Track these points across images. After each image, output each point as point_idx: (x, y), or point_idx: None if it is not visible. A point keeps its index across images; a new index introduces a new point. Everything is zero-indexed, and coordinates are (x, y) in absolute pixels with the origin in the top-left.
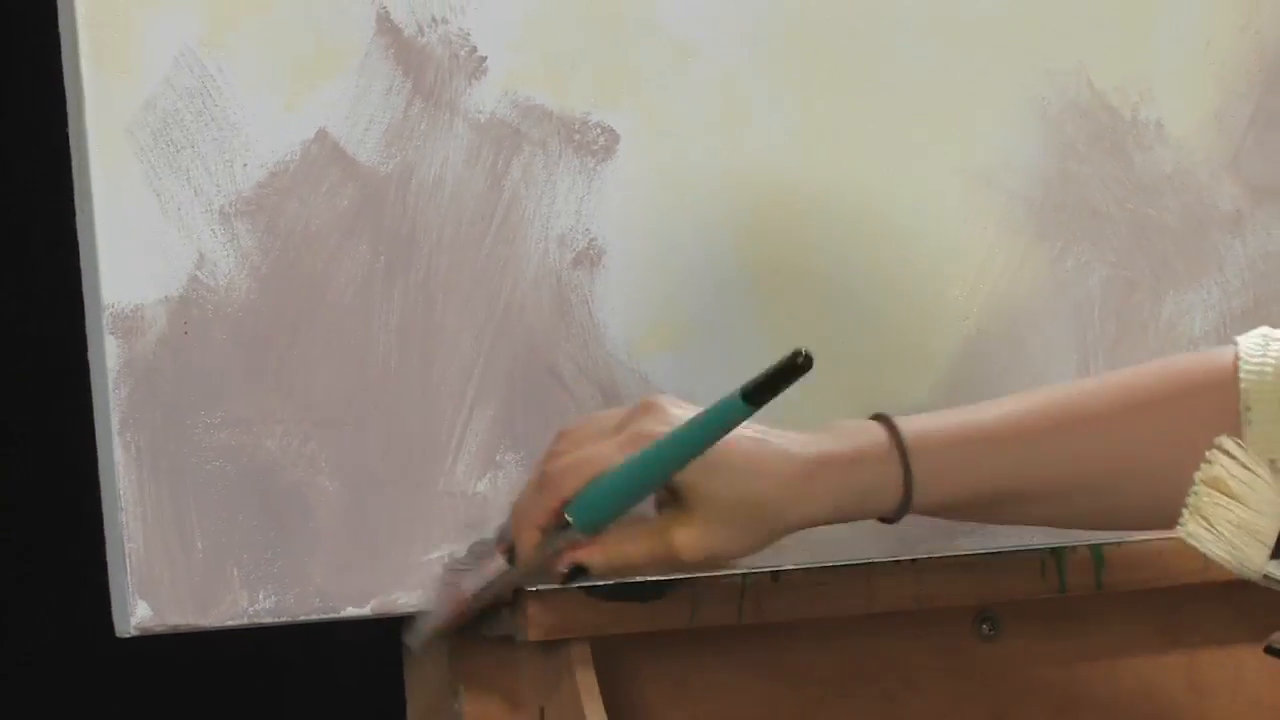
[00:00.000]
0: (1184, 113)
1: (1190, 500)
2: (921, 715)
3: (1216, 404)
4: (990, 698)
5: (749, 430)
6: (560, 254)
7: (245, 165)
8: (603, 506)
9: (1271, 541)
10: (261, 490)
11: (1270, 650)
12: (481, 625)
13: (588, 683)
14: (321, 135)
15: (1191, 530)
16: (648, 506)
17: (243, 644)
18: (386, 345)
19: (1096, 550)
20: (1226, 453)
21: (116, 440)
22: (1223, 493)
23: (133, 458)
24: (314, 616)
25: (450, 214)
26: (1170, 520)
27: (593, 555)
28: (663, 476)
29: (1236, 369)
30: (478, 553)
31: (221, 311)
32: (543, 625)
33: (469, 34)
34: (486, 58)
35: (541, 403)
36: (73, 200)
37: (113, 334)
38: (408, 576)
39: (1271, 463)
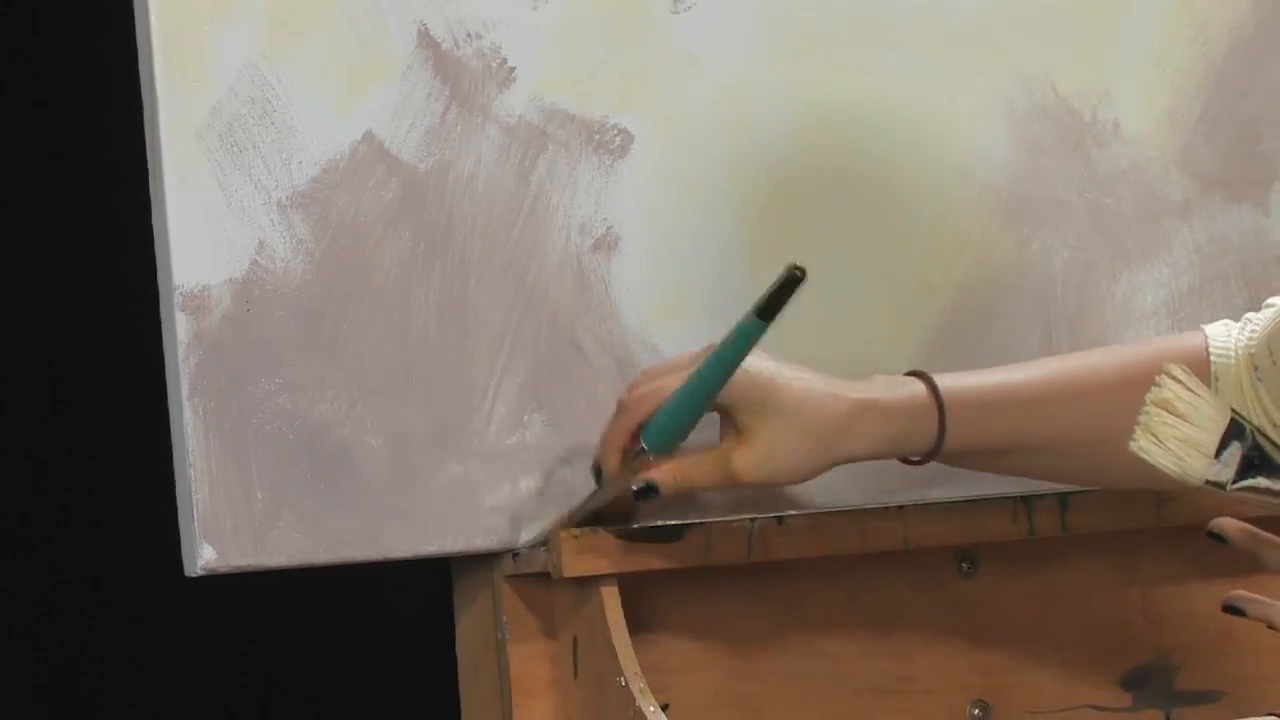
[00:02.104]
0: (1138, 114)
1: (1142, 419)
2: (908, 643)
3: None
4: (969, 627)
5: (804, 373)
6: (581, 240)
7: (301, 163)
8: (668, 428)
9: (1212, 453)
10: (314, 447)
11: (1229, 608)
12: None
13: (615, 614)
14: (368, 136)
15: (1143, 445)
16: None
17: (304, 583)
18: (426, 320)
19: (1062, 498)
20: (1174, 378)
21: (186, 405)
22: (1170, 412)
23: (200, 420)
24: (362, 558)
25: (483, 205)
26: (1149, 479)
27: (661, 474)
28: (709, 393)
29: (1208, 351)
30: None
31: (279, 291)
32: (576, 564)
33: (500, 47)
34: (515, 68)
35: (564, 371)
36: (148, 194)
37: (183, 311)
38: (446, 522)
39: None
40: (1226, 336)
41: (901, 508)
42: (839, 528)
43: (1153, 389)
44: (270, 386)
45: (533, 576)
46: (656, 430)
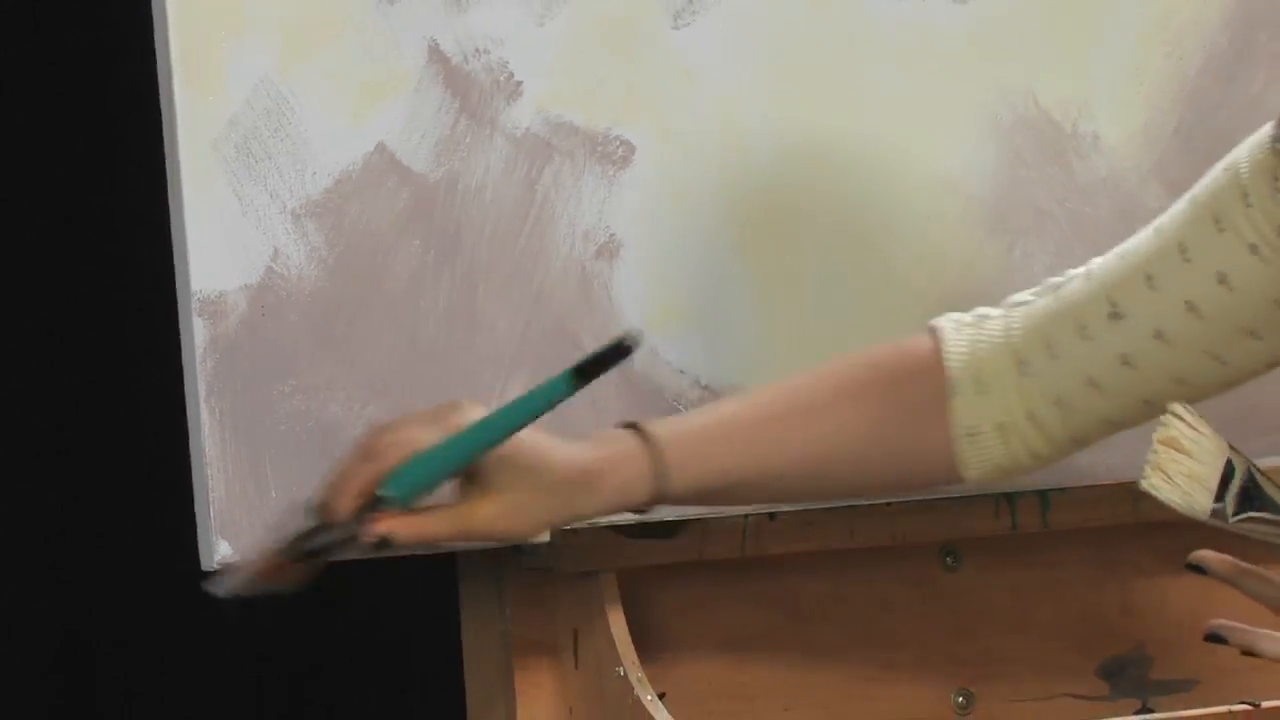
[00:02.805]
0: (1117, 126)
1: (1150, 458)
2: (894, 634)
3: (923, 387)
4: (953, 619)
5: (539, 435)
6: (584, 247)
7: (314, 173)
8: (417, 478)
9: (1214, 487)
10: (327, 447)
11: (1211, 637)
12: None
13: (614, 607)
14: (380, 148)
15: (1154, 483)
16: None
17: (316, 578)
18: (435, 325)
19: (1044, 495)
20: (1178, 416)
21: (203, 406)
22: (1176, 450)
23: (216, 420)
24: (371, 552)
25: (490, 214)
26: (891, 489)
27: (397, 526)
28: (479, 451)
29: (938, 354)
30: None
31: (293, 297)
32: (577, 559)
33: (507, 62)
34: (522, 82)
35: None
36: (167, 203)
37: (200, 316)
38: None
39: (1025, 420)
40: (957, 334)
41: (888, 504)
42: (829, 524)
43: (1159, 428)
44: (284, 388)
45: (536, 571)
46: (406, 480)
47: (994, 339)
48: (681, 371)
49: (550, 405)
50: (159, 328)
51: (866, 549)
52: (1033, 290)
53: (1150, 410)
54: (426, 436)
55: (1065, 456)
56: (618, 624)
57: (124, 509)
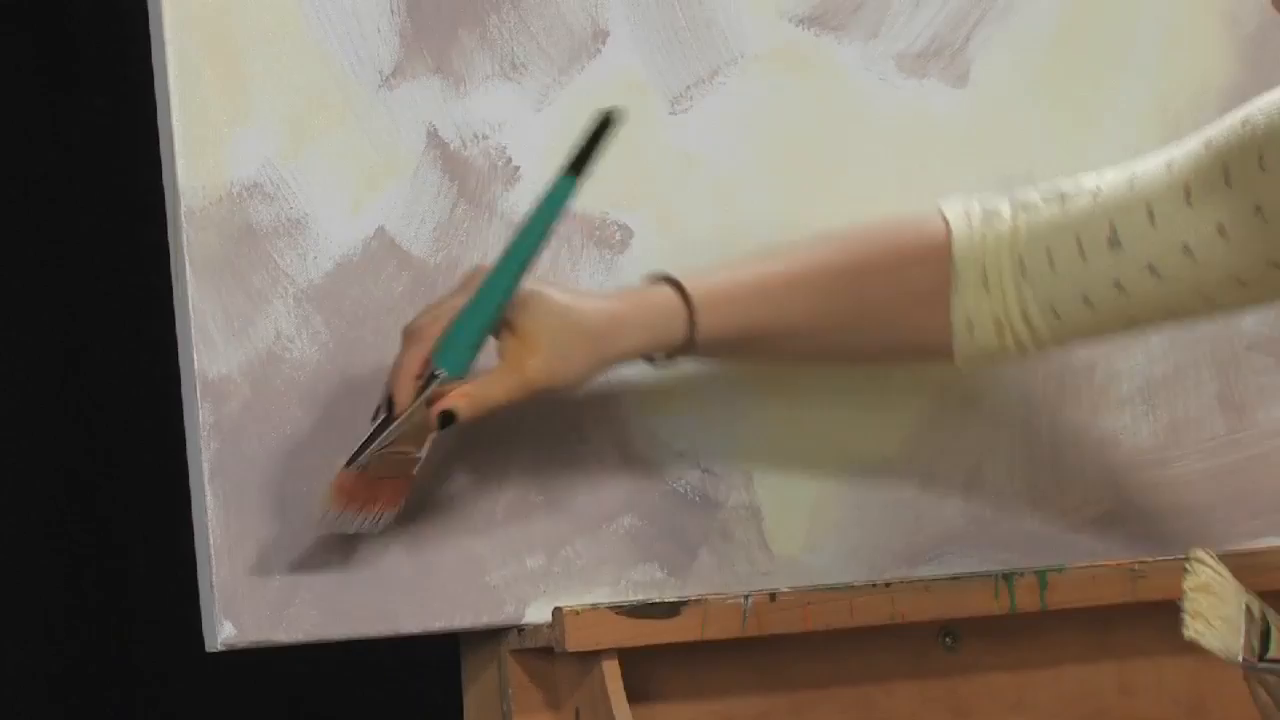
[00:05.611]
0: None
1: (1187, 606)
2: (893, 714)
3: (932, 270)
4: (951, 700)
5: (564, 294)
6: None
7: (315, 257)
8: (460, 343)
9: (1240, 625)
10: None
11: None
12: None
13: (616, 687)
14: (380, 232)
15: (1198, 628)
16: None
17: (318, 658)
18: None
19: (1042, 575)
20: (1204, 562)
21: (207, 487)
22: (1208, 594)
23: (220, 501)
24: (375, 633)
25: None
26: (888, 360)
27: (458, 400)
28: (508, 288)
29: (948, 244)
30: None
31: (295, 379)
32: (579, 639)
33: (505, 147)
34: (520, 167)
35: (567, 455)
36: (170, 285)
37: (204, 399)
38: (455, 599)
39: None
40: (968, 228)
41: (888, 584)
42: (828, 604)
43: (1188, 575)
44: (286, 470)
45: (537, 651)
46: (450, 347)
47: (1000, 238)
48: (681, 454)
49: (558, 210)
50: (163, 411)
51: (866, 629)
52: (1042, 194)
53: (1136, 329)
54: (458, 303)
55: (1044, 353)
56: (619, 704)
57: (131, 591)
